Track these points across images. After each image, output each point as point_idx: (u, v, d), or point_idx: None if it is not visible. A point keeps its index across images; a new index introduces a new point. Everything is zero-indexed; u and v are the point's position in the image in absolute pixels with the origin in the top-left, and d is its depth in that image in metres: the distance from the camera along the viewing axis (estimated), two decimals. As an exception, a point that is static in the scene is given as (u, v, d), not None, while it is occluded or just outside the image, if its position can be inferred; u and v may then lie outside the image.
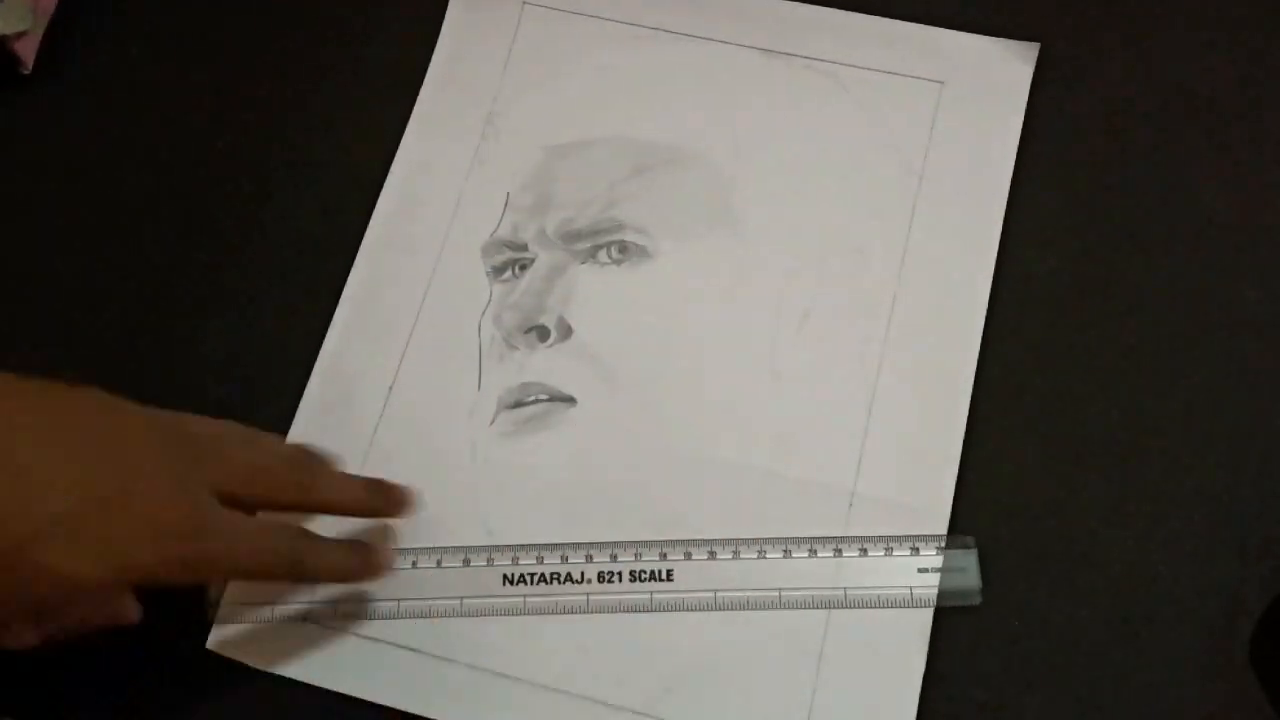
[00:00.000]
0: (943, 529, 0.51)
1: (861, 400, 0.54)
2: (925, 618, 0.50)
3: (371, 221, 0.59)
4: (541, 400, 0.55)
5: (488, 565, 0.52)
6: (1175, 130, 0.58)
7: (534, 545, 0.52)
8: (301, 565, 0.48)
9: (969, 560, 0.51)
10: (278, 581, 0.51)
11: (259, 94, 0.62)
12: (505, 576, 0.52)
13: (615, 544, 0.52)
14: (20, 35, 0.60)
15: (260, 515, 0.47)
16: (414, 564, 0.52)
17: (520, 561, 0.52)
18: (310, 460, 0.50)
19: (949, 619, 0.50)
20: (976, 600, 0.50)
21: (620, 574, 0.52)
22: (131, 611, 0.45)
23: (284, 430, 0.55)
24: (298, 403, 0.55)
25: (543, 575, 0.52)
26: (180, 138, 0.61)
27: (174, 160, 0.61)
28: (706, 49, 0.61)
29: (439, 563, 0.52)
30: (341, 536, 0.51)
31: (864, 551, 0.51)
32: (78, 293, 0.58)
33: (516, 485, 0.54)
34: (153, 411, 0.45)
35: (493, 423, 0.55)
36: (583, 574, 0.52)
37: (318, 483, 0.49)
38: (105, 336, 0.58)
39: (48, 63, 0.62)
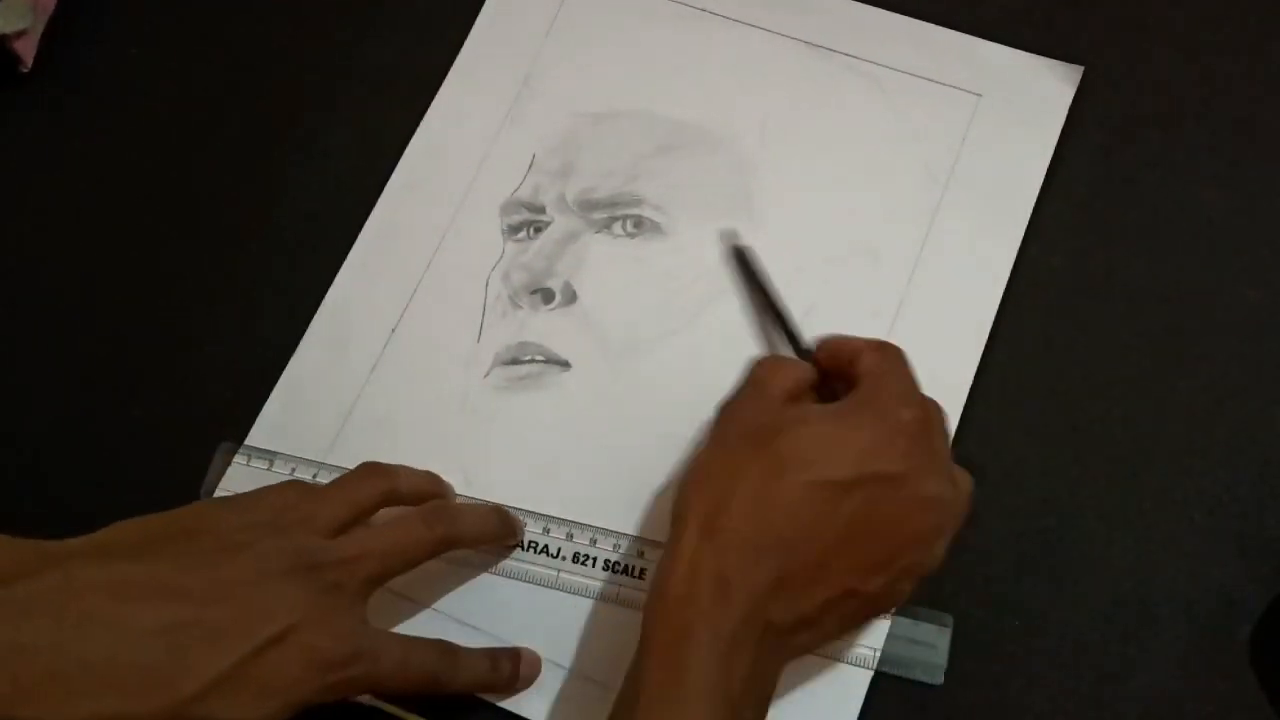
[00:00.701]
0: None
1: None
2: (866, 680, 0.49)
3: (398, 166, 0.59)
4: (537, 361, 0.56)
5: None
6: (1176, 131, 0.58)
7: (521, 510, 0.52)
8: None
9: (941, 639, 0.49)
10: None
11: (260, 91, 0.62)
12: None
13: (597, 529, 0.52)
14: (20, 34, 0.60)
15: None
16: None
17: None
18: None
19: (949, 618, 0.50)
20: (939, 680, 0.49)
21: (595, 559, 0.51)
22: None
23: (283, 366, 0.56)
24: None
25: (520, 540, 0.52)
26: (179, 136, 0.61)
27: (173, 158, 0.61)
28: (748, 35, 0.61)
29: None
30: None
31: None
32: (78, 291, 0.58)
33: (500, 439, 0.54)
34: (274, 540, 0.44)
35: (487, 376, 0.56)
36: (559, 550, 0.52)
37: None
38: (105, 335, 0.58)
39: (47, 61, 0.62)
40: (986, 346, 0.54)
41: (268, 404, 0.55)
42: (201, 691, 0.40)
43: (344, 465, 0.52)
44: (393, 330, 0.57)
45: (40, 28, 0.62)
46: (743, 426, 0.45)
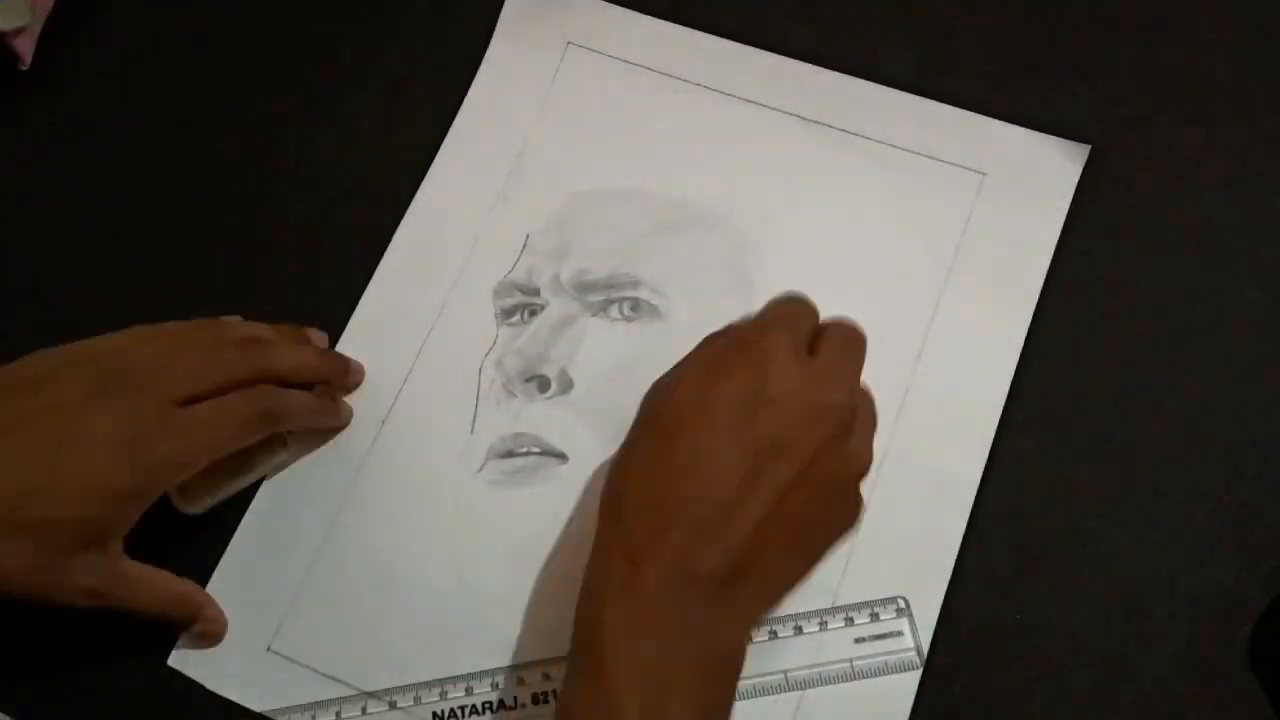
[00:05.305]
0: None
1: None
2: (907, 686, 0.49)
3: (389, 249, 0.57)
4: (533, 453, 0.53)
5: (415, 705, 0.50)
6: (1175, 130, 0.58)
7: (463, 676, 0.50)
8: (272, 417, 0.49)
9: (904, 625, 0.49)
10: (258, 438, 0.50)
11: (260, 94, 0.62)
12: (435, 715, 0.50)
13: (547, 661, 0.50)
14: (19, 31, 0.60)
15: (216, 399, 0.48)
16: (337, 715, 0.50)
17: (449, 696, 0.50)
18: (259, 338, 0.51)
19: (950, 618, 0.50)
20: (918, 666, 0.49)
21: (555, 694, 0.49)
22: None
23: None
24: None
25: (474, 707, 0.50)
26: (179, 135, 0.61)
27: (173, 158, 0.61)
28: (746, 111, 0.58)
29: (364, 709, 0.50)
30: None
31: (799, 629, 0.50)
32: (75, 290, 0.58)
33: (496, 538, 0.52)
34: (83, 351, 0.48)
35: (481, 470, 0.53)
36: (515, 699, 0.50)
37: (268, 359, 0.50)
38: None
39: (46, 59, 0.62)
40: (986, 347, 0.54)
41: (253, 505, 0.53)
42: None
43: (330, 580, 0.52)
44: (382, 423, 0.54)
45: (39, 25, 0.62)
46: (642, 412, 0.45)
